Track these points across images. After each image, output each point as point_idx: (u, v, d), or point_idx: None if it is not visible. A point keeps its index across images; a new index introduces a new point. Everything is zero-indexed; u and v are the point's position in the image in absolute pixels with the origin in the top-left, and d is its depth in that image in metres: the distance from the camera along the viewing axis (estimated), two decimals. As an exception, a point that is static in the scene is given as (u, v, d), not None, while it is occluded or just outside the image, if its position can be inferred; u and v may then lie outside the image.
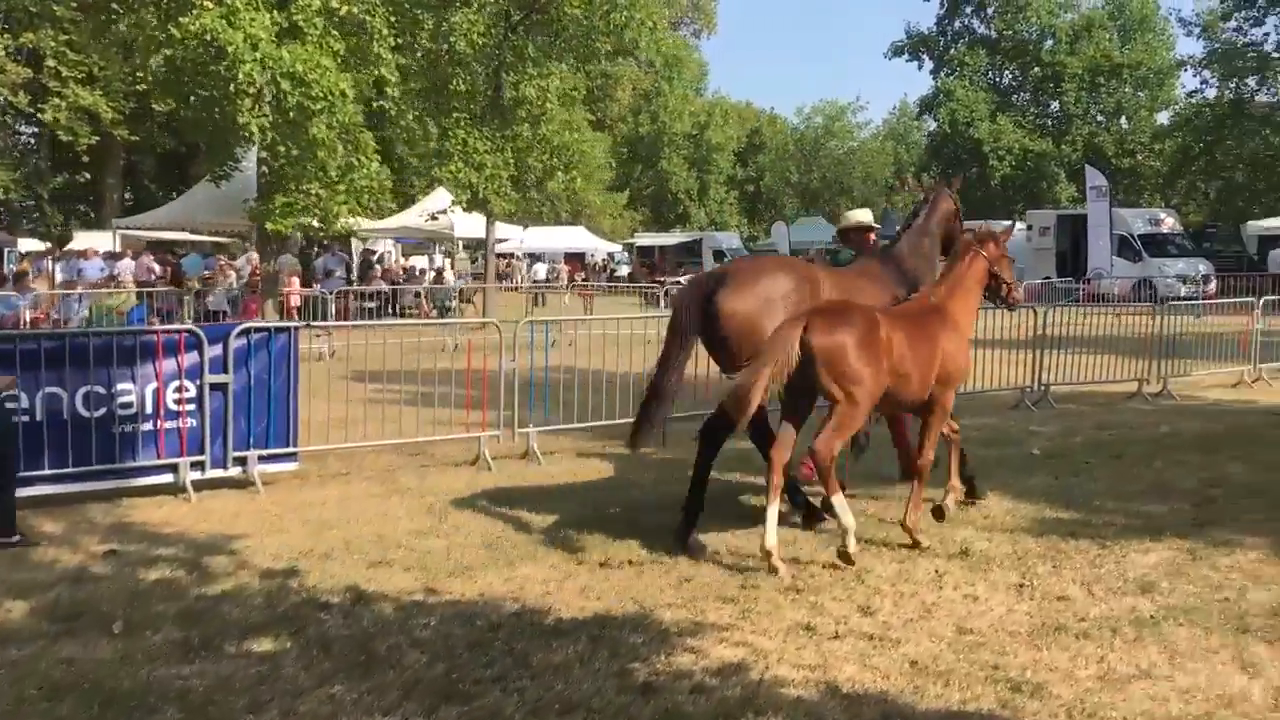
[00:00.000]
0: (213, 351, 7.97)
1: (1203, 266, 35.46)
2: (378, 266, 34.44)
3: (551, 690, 4.64)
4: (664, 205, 66.98)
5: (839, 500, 6.32)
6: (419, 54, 23.21)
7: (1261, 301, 16.16)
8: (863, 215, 8.83)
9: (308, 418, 9.21)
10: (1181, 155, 39.81)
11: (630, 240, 60.36)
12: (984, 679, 4.86)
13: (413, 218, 32.40)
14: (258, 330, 8.41)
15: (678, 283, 41.74)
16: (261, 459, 8.24)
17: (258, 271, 19.72)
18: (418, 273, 33.72)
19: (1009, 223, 8.89)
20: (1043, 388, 13.20)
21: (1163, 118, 48.03)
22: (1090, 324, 16.22)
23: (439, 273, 32.18)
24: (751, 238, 65.58)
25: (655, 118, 64.56)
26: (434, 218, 29.32)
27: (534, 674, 4.81)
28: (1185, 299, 27.43)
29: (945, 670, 4.95)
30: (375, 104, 24.62)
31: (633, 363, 11.12)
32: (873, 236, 8.77)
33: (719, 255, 52.27)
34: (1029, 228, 40.40)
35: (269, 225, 16.60)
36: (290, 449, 8.47)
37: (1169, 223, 38.32)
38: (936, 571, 6.39)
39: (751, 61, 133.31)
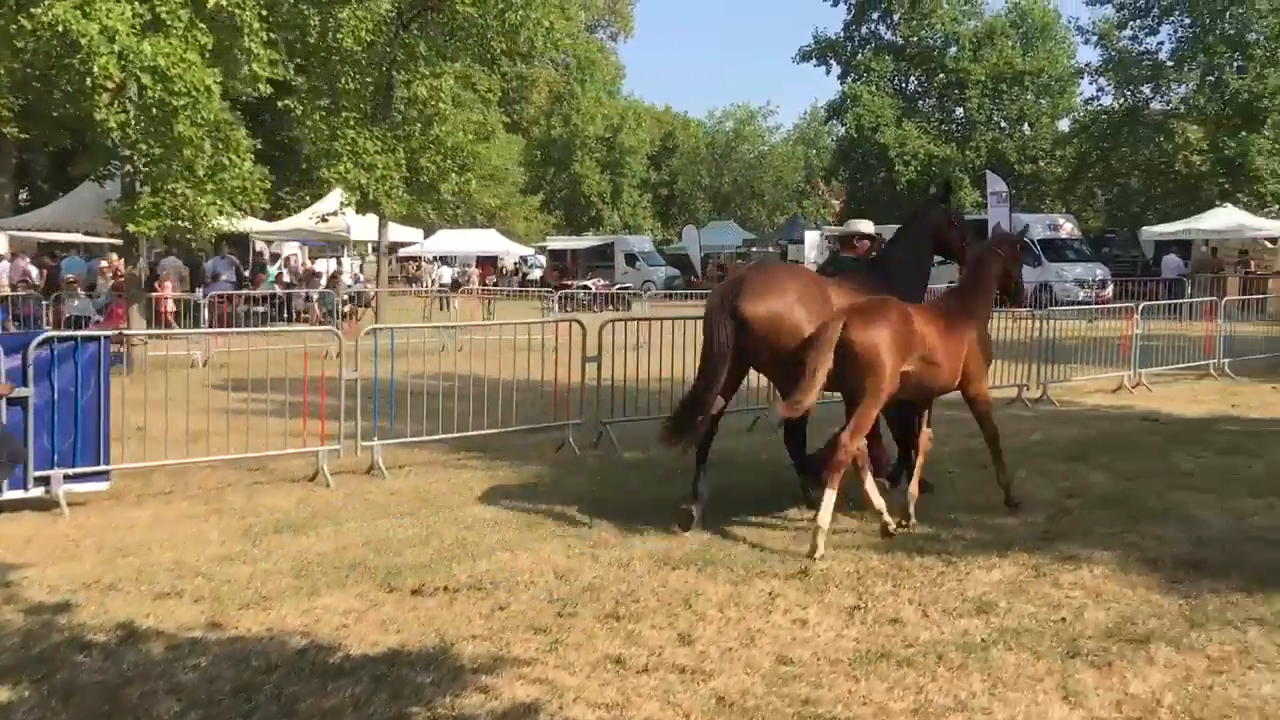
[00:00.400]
0: (10, 363, 7.36)
1: (1099, 271, 36.03)
2: (283, 270, 33.60)
3: (312, 740, 4.21)
4: (577, 208, 66.50)
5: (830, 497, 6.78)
6: (306, 51, 22.51)
7: (1141, 307, 16.23)
8: (863, 225, 9.34)
9: (163, 430, 8.68)
10: (1079, 161, 40.45)
11: (542, 243, 59.85)
12: (792, 716, 4.53)
13: (305, 220, 31.53)
14: (62, 339, 7.81)
15: (585, 287, 41.62)
16: (67, 478, 7.64)
17: (120, 275, 18.87)
18: (318, 277, 32.90)
19: (1023, 227, 9.42)
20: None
21: (1064, 125, 48.86)
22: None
23: (333, 277, 31.34)
24: (665, 241, 65.47)
25: (568, 120, 64.05)
26: (324, 219, 28.53)
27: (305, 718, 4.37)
28: (1081, 303, 27.80)
29: (752, 707, 4.61)
30: (281, 103, 23.86)
31: (515, 369, 10.70)
32: (866, 245, 9.18)
33: (630, 259, 52.11)
34: (934, 232, 40.72)
35: (131, 227, 15.78)
36: (101, 467, 7.88)
37: (1067, 228, 38.89)
38: (770, 594, 6.07)
39: (669, 65, 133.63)
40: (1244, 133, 34.03)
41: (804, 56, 51.25)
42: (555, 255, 55.41)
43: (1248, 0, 34.35)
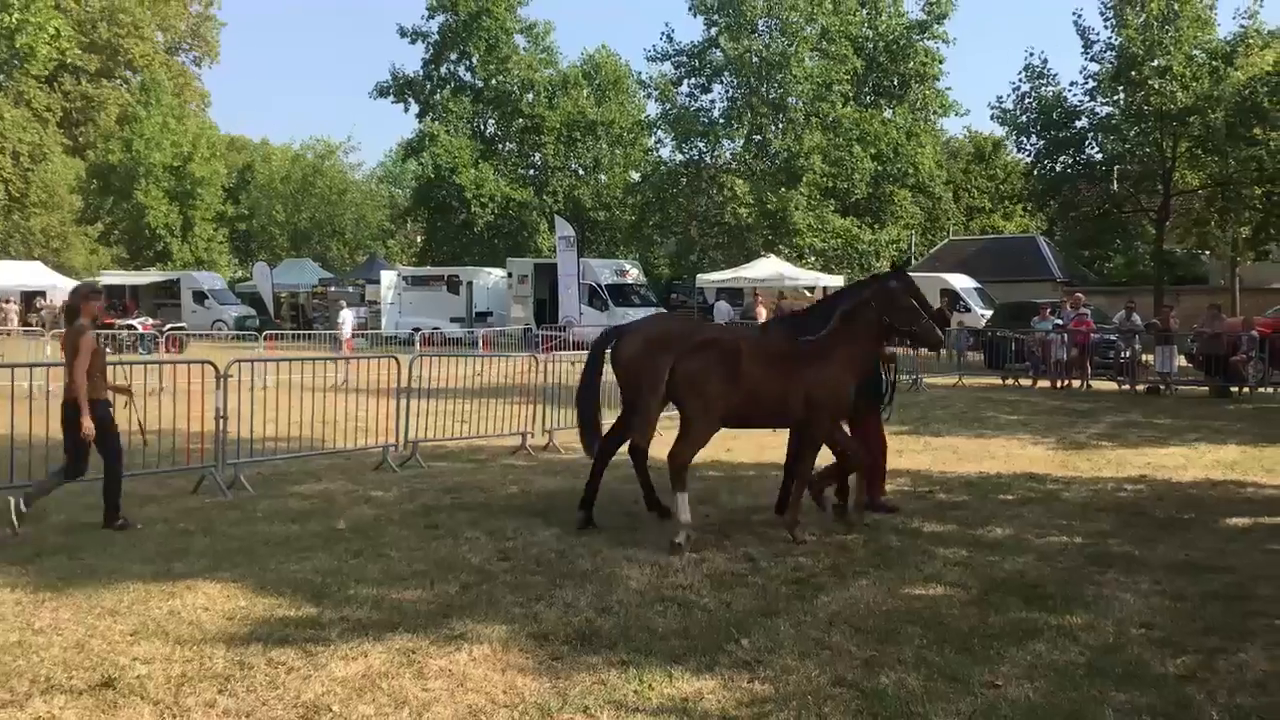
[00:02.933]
0: None
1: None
2: None
3: None
4: (141, 241, 61.09)
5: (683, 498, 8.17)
6: None
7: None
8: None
9: None
10: (643, 209, 42.10)
11: (96, 278, 54.37)
12: None
13: None
14: None
15: (130, 326, 37.87)
16: None
17: None
18: None
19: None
20: (410, 445, 12.19)
21: (635, 175, 50.83)
22: (484, 373, 15.64)
23: None
24: (242, 278, 61.67)
25: (129, 145, 58.75)
26: None
27: None
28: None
29: None
30: None
31: None
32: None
33: (199, 296, 48.48)
34: (509, 275, 40.87)
35: None
36: None
37: (633, 273, 40.22)
38: (37, 718, 4.80)
39: (259, 95, 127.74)
40: (784, 189, 36.63)
41: (381, 92, 50.11)
42: (112, 292, 50.39)
43: (787, 68, 37.12)
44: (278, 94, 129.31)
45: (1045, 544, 8.50)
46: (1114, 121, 32.34)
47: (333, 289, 47.83)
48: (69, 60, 34.14)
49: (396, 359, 12.70)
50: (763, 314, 32.76)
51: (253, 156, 69.02)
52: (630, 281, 39.53)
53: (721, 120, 39.33)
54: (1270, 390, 21.44)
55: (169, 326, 37.98)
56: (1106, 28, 32.47)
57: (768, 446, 14.03)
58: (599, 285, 37.69)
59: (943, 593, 7.15)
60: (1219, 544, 8.64)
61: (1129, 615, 6.64)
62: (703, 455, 13.20)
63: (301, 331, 35.61)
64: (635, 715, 5.02)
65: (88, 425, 8.17)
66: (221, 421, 10.14)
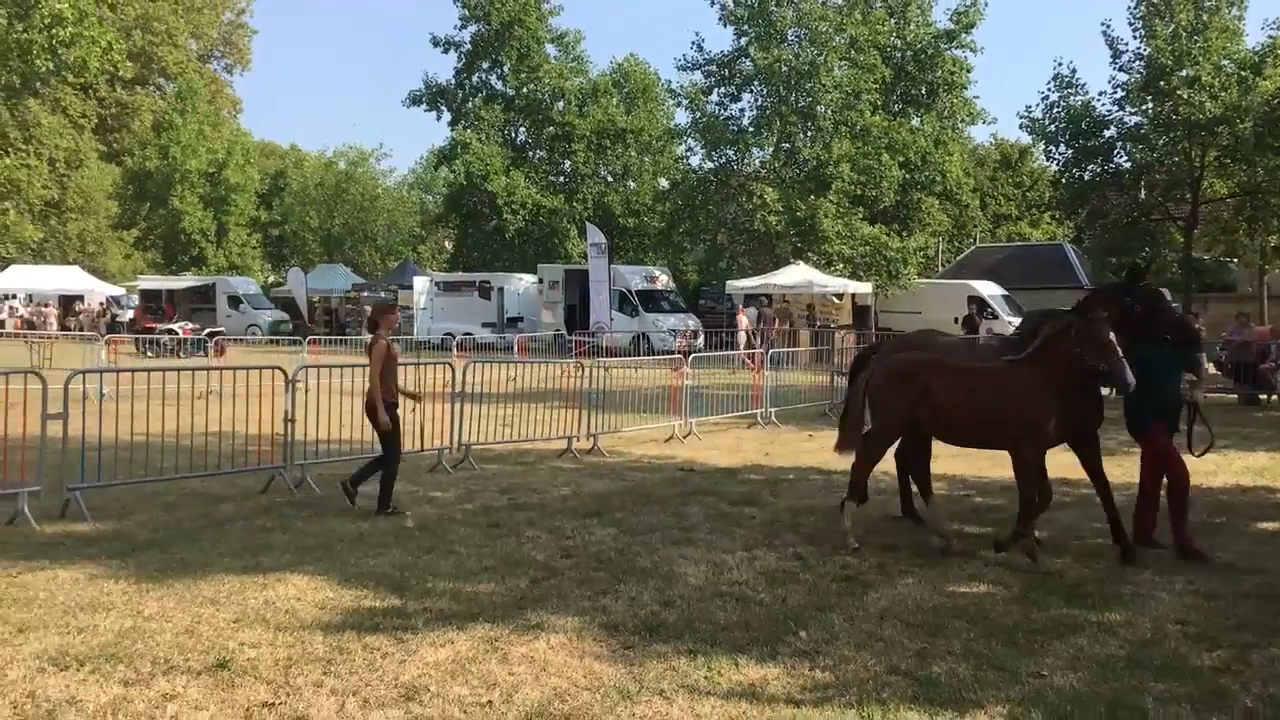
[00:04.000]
0: None
1: (692, 322, 37.91)
2: None
3: None
4: (177, 246, 61.98)
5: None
6: None
7: (691, 359, 16.80)
8: None
9: None
10: (673, 216, 42.51)
11: (133, 283, 55.29)
12: None
13: None
14: None
15: (172, 331, 38.56)
16: None
17: None
18: None
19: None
20: (463, 448, 12.65)
21: (665, 182, 51.21)
22: (519, 378, 16.09)
23: None
24: (276, 283, 62.44)
25: (166, 152, 59.66)
26: None
27: None
28: (669, 353, 28.84)
29: None
30: None
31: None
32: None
33: (234, 301, 49.25)
34: (540, 281, 41.38)
35: None
36: None
37: (662, 279, 40.67)
38: (165, 695, 5.27)
39: (290, 102, 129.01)
40: (813, 196, 36.95)
41: (414, 101, 50.72)
42: (148, 296, 51.26)
43: (816, 77, 37.45)
44: (308, 101, 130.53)
45: (1082, 545, 8.87)
46: (1143, 131, 32.55)
47: (366, 294, 48.43)
48: (120, 73, 34.79)
49: (451, 365, 13.13)
50: (744, 322, 33.24)
51: (285, 163, 69.82)
52: (660, 287, 39.96)
53: (751, 128, 39.64)
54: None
55: (207, 331, 38.68)
56: (1135, 38, 32.72)
57: (804, 451, 14.46)
58: (629, 291, 38.13)
59: (986, 590, 7.54)
60: (1250, 546, 8.99)
61: (1165, 613, 7.01)
62: (742, 459, 13.68)
63: (340, 337, 36.14)
64: (708, 699, 5.43)
65: (383, 420, 9.54)
66: (290, 424, 10.63)
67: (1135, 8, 32.66)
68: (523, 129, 50.96)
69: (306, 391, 11.19)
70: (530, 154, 51.15)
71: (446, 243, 63.83)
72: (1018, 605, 7.13)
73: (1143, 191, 33.52)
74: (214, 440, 11.31)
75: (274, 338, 43.15)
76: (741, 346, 30.27)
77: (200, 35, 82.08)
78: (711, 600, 7.13)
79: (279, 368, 11.20)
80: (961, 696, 5.50)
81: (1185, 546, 8.49)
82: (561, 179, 50.78)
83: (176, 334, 37.64)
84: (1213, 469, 13.02)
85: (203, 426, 11.43)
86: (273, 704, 5.20)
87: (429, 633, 6.29)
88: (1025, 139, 49.72)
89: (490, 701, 5.32)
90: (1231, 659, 6.13)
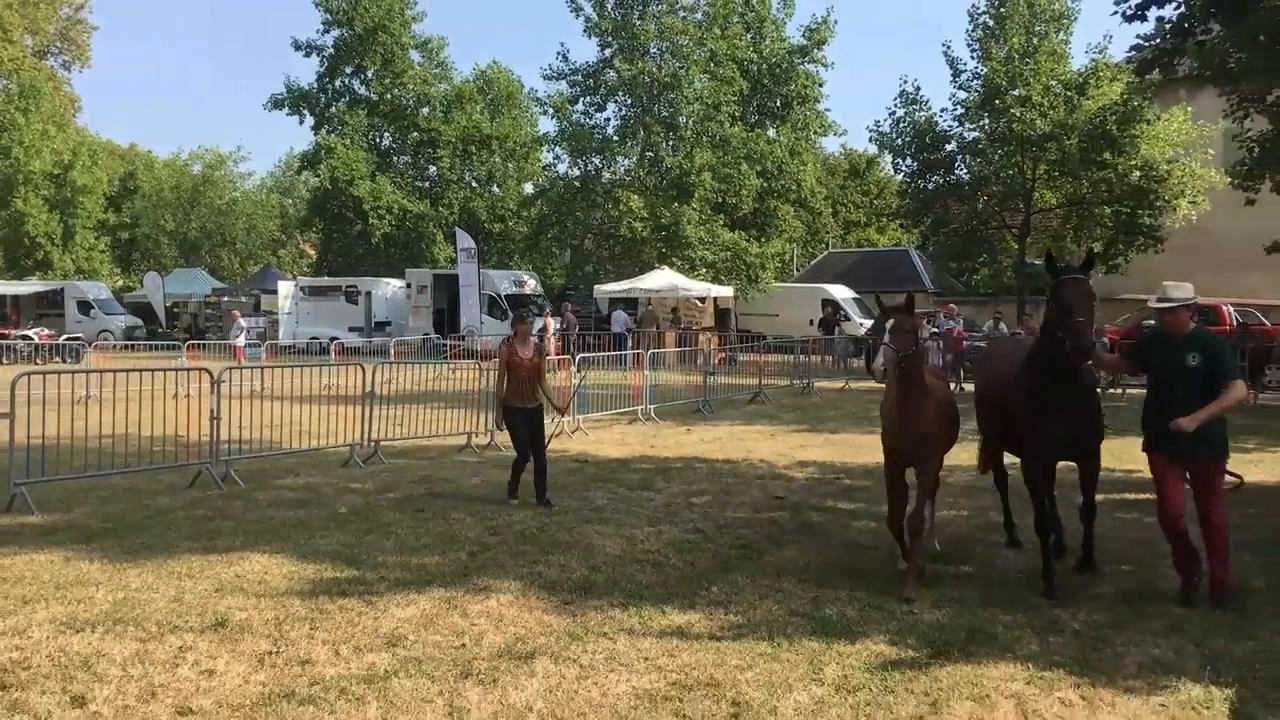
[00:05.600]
0: None
1: (554, 324, 38.87)
2: None
3: None
4: (20, 250, 59.77)
5: None
6: None
7: (579, 358, 17.85)
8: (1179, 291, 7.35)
9: None
10: (540, 222, 43.45)
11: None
12: (184, 763, 4.62)
13: None
14: None
15: (27, 336, 37.65)
16: None
17: None
18: None
19: None
20: (373, 443, 13.42)
21: (529, 187, 52.05)
22: (422, 379, 16.89)
23: None
24: (126, 288, 60.88)
25: (8, 153, 57.51)
26: None
27: None
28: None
29: (143, 759, 4.64)
30: None
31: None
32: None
33: (85, 306, 48.05)
34: (408, 286, 41.79)
35: None
36: None
37: (530, 284, 41.61)
38: (181, 648, 6.06)
39: (133, 101, 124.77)
40: (677, 204, 38.41)
41: (276, 104, 50.35)
42: (-8, 302, 49.56)
43: (678, 89, 38.93)
44: (154, 101, 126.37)
45: (940, 517, 10.24)
46: (980, 145, 34.92)
47: (226, 299, 47.90)
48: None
49: (363, 366, 13.88)
50: (551, 326, 34.21)
51: (135, 165, 67.98)
52: (528, 292, 40.86)
53: (616, 137, 40.93)
54: (1119, 391, 23.94)
55: (65, 337, 37.89)
56: (973, 59, 35.11)
57: (685, 443, 15.68)
58: (498, 295, 38.92)
59: (861, 553, 8.80)
60: (1075, 512, 10.50)
61: (1008, 566, 8.38)
62: (631, 451, 14.78)
63: (215, 342, 35.80)
64: (645, 638, 6.48)
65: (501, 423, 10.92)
66: (215, 422, 11.27)
67: (973, 30, 35.06)
68: (387, 134, 51.14)
69: (232, 395, 11.80)
70: (395, 159, 51.35)
71: (308, 248, 63.26)
72: (889, 563, 8.40)
73: (981, 201, 35.92)
74: (135, 440, 11.83)
75: (128, 342, 42.27)
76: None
77: (37, 31, 79.04)
78: (631, 565, 8.19)
79: (205, 369, 11.81)
80: (851, 630, 6.68)
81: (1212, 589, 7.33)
82: (427, 184, 51.17)
83: (33, 340, 36.84)
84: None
85: (123, 427, 11.90)
86: (276, 652, 6.04)
87: (393, 596, 7.19)
88: (873, 149, 52.29)
89: (463, 645, 6.27)
90: (1061, 597, 7.49)
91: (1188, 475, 7.38)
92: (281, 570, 7.78)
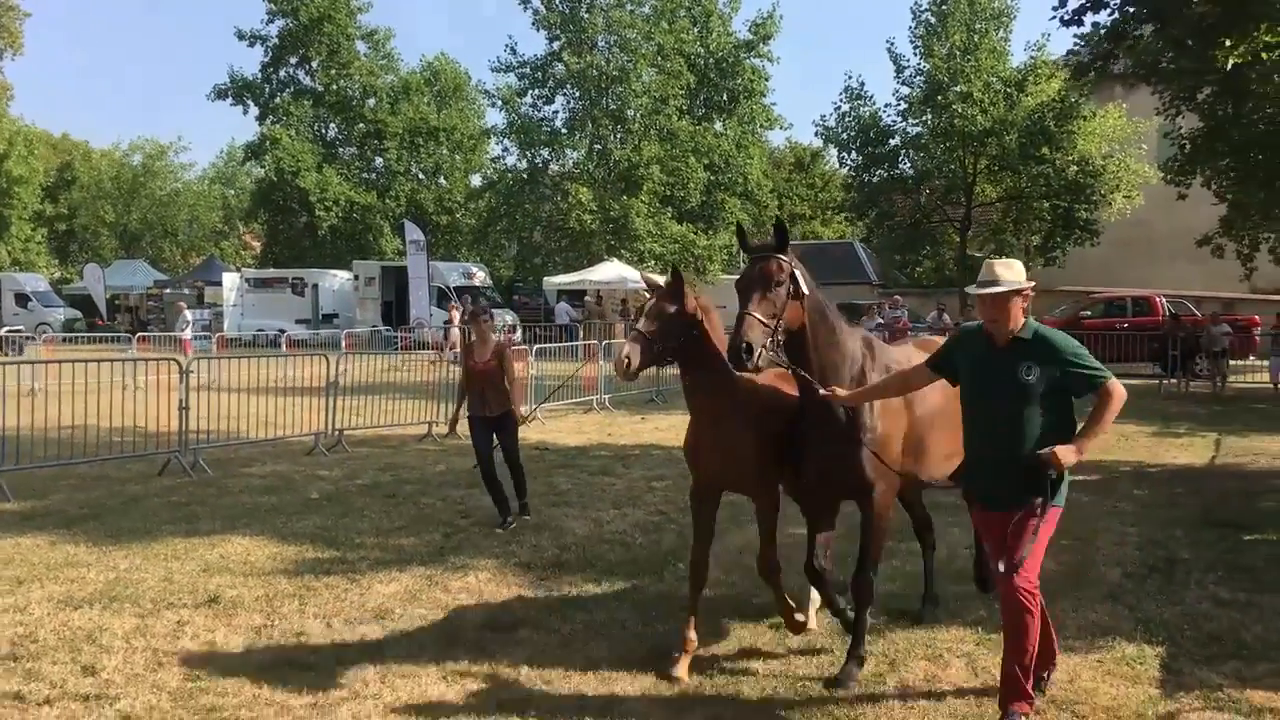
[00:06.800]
0: None
1: (509, 317, 39.08)
2: None
3: None
4: (-45, 242, 58.72)
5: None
6: None
7: (535, 349, 18.17)
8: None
9: None
10: (489, 214, 43.60)
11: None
12: (196, 722, 4.92)
13: None
14: None
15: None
16: None
17: None
18: None
19: None
20: (337, 432, 13.65)
21: (476, 179, 52.13)
22: (376, 370, 17.13)
23: None
24: (64, 280, 60.02)
25: (-62, 141, 56.45)
26: None
27: None
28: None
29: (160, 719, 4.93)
30: None
31: None
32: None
33: (22, 299, 47.37)
34: (356, 278, 41.76)
35: None
36: None
37: (479, 276, 41.80)
38: (179, 623, 6.34)
39: (67, 90, 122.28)
40: (625, 196, 38.78)
41: (219, 94, 49.94)
42: (-80, 294, 48.66)
43: (626, 82, 39.28)
44: (89, 89, 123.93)
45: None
46: (923, 140, 35.69)
47: (169, 291, 47.45)
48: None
49: (327, 357, 14.11)
50: (455, 317, 34.15)
51: (73, 155, 66.89)
52: (477, 284, 41.01)
53: (564, 130, 41.21)
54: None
55: (7, 329, 37.35)
56: (916, 55, 35.87)
57: (641, 431, 16.07)
58: (447, 287, 39.04)
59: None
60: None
61: (956, 542, 8.87)
62: (589, 439, 15.14)
63: (162, 334, 35.52)
64: (622, 606, 6.86)
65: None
66: (185, 412, 11.47)
67: (915, 27, 35.81)
68: (333, 125, 50.93)
69: (202, 385, 11.99)
70: (341, 151, 51.17)
71: (251, 239, 62.75)
72: (844, 542, 8.83)
73: (924, 195, 36.73)
74: (95, 430, 11.98)
75: (68, 335, 41.68)
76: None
77: (-34, 18, 77.52)
78: (599, 545, 8.56)
79: (175, 359, 11.99)
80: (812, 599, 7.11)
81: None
82: (374, 176, 51.04)
83: (-28, 333, 36.28)
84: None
85: (81, 418, 12.03)
86: (270, 626, 6.34)
87: (375, 574, 7.50)
88: (817, 143, 53.02)
89: (448, 617, 6.61)
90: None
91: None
92: (264, 551, 8.05)
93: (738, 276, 5.62)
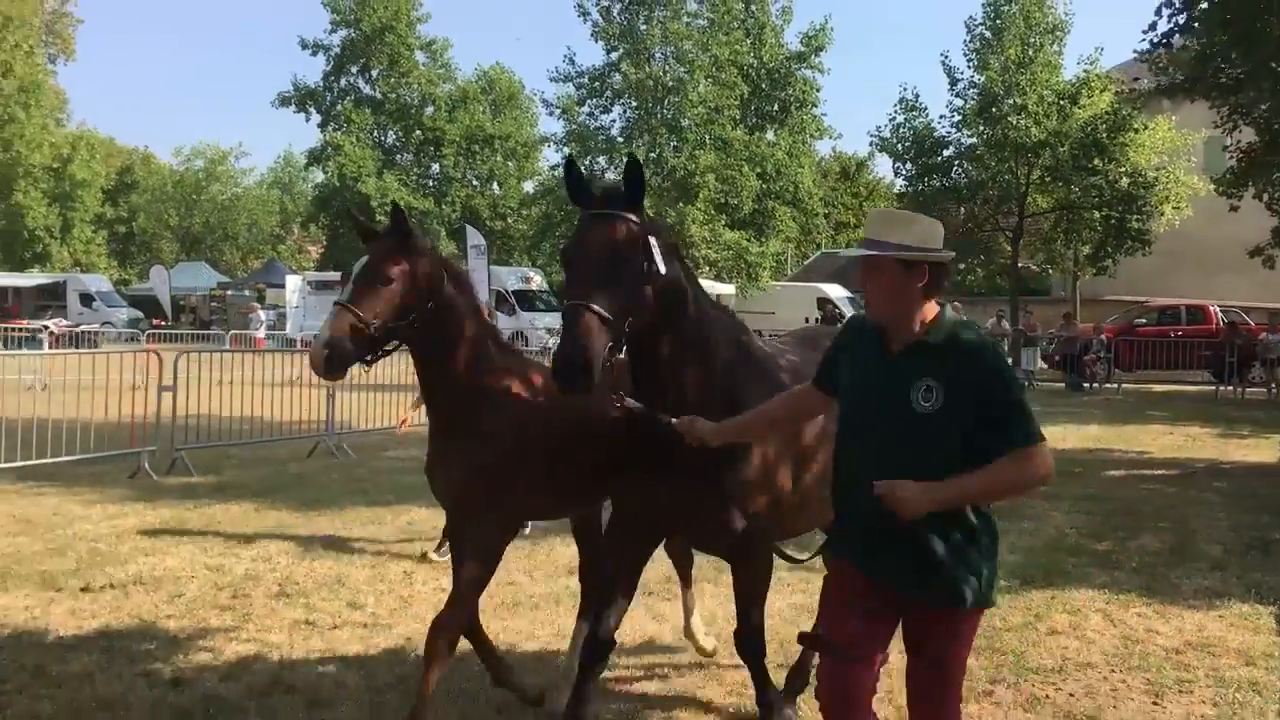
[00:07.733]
0: None
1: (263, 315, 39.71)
2: None
3: (82, 693, 4.82)
4: (18, 243, 60.47)
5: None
6: None
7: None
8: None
9: None
10: (546, 221, 44.64)
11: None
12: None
13: None
14: None
15: (45, 328, 38.40)
16: None
17: None
18: None
19: None
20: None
21: (529, 186, 53.22)
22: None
23: None
24: (124, 281, 61.61)
25: (8, 146, 58.20)
26: None
27: (58, 682, 4.94)
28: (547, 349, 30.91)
29: (435, 642, 5.84)
30: None
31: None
32: None
33: (86, 299, 48.78)
34: (414, 281, 42.74)
35: None
36: None
37: (536, 280, 42.85)
38: (405, 572, 7.26)
39: (122, 96, 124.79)
40: (681, 204, 39.70)
41: (283, 102, 51.32)
42: (-7, 293, 50.28)
43: (682, 92, 40.25)
44: (139, 95, 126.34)
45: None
46: (977, 151, 36.36)
47: (231, 292, 48.78)
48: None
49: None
50: (262, 317, 34.49)
51: (132, 159, 68.62)
52: (534, 288, 42.05)
53: (621, 139, 42.21)
54: (1114, 385, 25.47)
55: (84, 328, 38.71)
56: (970, 68, 36.59)
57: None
58: (506, 291, 40.09)
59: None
60: (1104, 484, 11.85)
61: (1062, 522, 9.68)
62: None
63: (231, 332, 36.69)
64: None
65: None
66: (331, 401, 12.46)
67: (970, 42, 36.55)
68: (392, 133, 52.21)
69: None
70: (399, 157, 52.45)
71: (305, 243, 64.15)
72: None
73: (976, 205, 37.39)
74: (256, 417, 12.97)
75: (132, 333, 42.75)
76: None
77: (23, 24, 79.45)
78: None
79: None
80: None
81: None
82: (430, 182, 52.25)
83: (50, 330, 37.65)
84: (1061, 436, 16.06)
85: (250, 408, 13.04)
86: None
87: (554, 538, 8.39)
88: (863, 152, 53.76)
89: (633, 573, 7.48)
90: (1114, 545, 8.79)
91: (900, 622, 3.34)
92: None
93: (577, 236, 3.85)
